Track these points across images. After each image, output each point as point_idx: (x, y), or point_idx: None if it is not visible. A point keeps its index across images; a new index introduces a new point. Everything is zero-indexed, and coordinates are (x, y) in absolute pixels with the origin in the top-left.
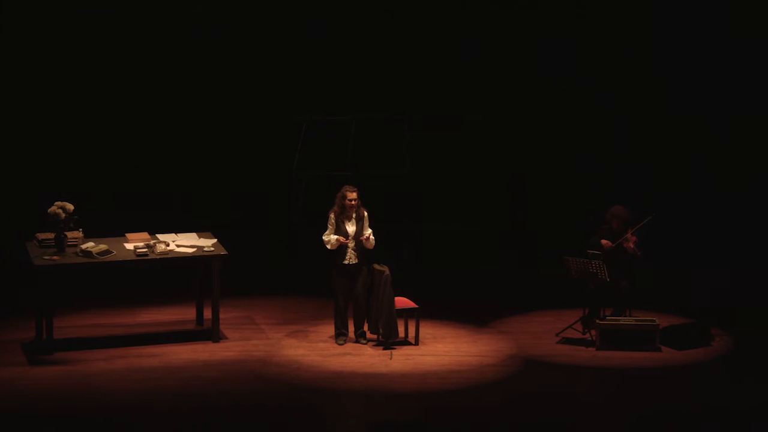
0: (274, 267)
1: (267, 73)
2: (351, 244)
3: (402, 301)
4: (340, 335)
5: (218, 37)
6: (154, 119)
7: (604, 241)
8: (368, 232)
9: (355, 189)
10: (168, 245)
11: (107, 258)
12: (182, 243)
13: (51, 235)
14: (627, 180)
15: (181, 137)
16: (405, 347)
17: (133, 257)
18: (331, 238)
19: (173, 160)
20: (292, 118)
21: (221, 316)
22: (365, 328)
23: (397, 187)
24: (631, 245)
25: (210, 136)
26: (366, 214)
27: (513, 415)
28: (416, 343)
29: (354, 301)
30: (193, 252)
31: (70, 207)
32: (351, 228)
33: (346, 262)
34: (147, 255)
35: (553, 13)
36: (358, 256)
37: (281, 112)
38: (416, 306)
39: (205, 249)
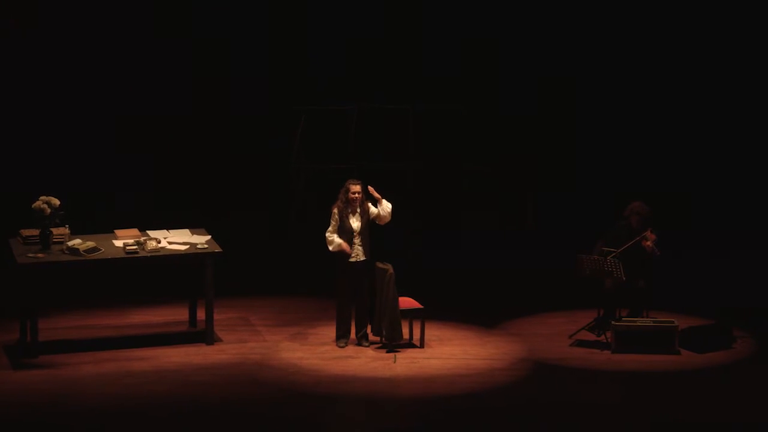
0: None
1: (264, 62)
2: (357, 240)
3: (406, 302)
4: (341, 337)
5: (214, 26)
6: (145, 109)
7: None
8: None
9: (359, 182)
10: (159, 242)
11: (95, 256)
12: (174, 240)
13: (36, 232)
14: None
15: (174, 128)
16: (409, 350)
17: (123, 255)
18: (334, 238)
19: (166, 152)
20: (292, 108)
21: (215, 317)
22: (368, 329)
23: (399, 181)
24: (650, 243)
25: (205, 127)
26: (371, 207)
27: (523, 421)
28: (421, 346)
29: (357, 302)
30: (185, 249)
31: (56, 202)
32: (356, 223)
33: (352, 259)
34: (137, 252)
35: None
36: (365, 253)
37: (280, 101)
38: (421, 306)
39: (199, 246)
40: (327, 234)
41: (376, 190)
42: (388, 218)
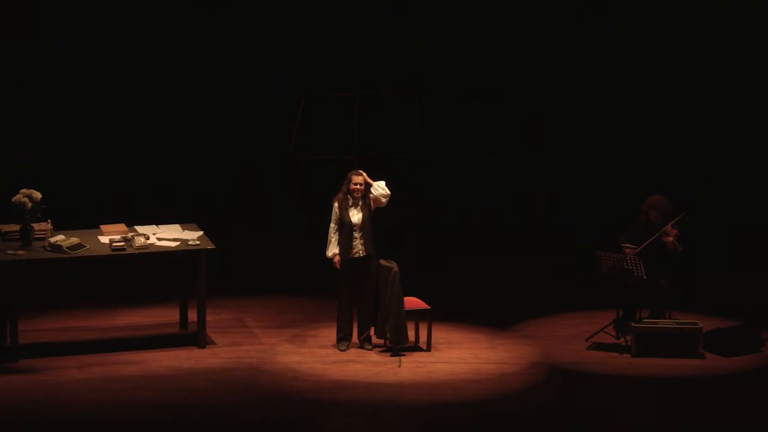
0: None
1: (261, 47)
2: (357, 234)
3: (412, 302)
4: (343, 340)
5: (209, 17)
6: (132, 97)
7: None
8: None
9: (362, 173)
10: (148, 238)
11: (79, 253)
12: (164, 236)
13: (16, 227)
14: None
15: (163, 116)
16: (415, 354)
17: (109, 252)
18: (331, 243)
19: (154, 142)
20: (289, 94)
21: (208, 318)
22: (371, 332)
23: (403, 172)
24: (671, 239)
25: (197, 114)
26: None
27: (537, 429)
28: (428, 350)
29: (359, 302)
30: (176, 246)
31: (38, 195)
32: (356, 216)
33: (354, 255)
34: (124, 249)
35: None
36: (366, 248)
37: (277, 88)
38: (428, 307)
39: (190, 242)
40: (330, 232)
41: (371, 178)
42: (385, 194)
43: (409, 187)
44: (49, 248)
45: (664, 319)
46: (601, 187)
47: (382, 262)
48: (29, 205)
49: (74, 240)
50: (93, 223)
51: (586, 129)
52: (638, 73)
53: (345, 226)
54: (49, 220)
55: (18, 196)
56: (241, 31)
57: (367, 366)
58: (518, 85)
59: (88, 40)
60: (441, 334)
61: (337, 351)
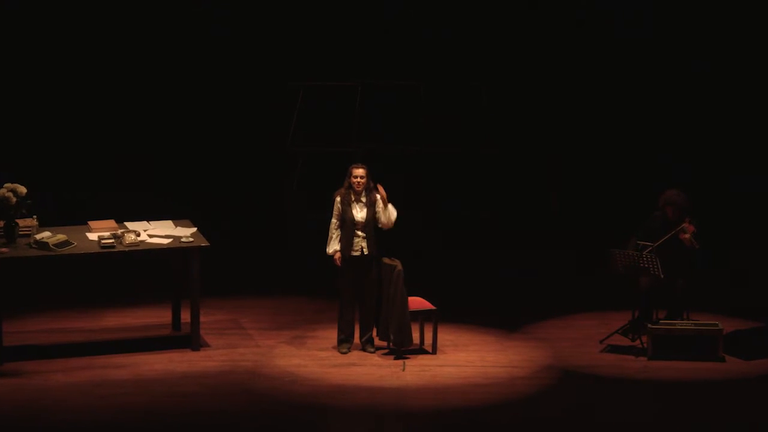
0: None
1: (258, 34)
2: (360, 232)
3: (417, 302)
4: (344, 342)
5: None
6: (121, 87)
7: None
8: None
9: (363, 166)
10: (139, 235)
11: (66, 250)
12: (156, 232)
13: (0, 223)
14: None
15: (155, 106)
16: (420, 356)
17: (98, 249)
18: (333, 240)
19: (145, 133)
20: (287, 85)
21: (202, 319)
22: (373, 333)
23: (408, 166)
24: (688, 236)
25: (190, 105)
26: (378, 202)
27: None
28: (433, 352)
29: (361, 302)
30: (168, 243)
31: (23, 190)
32: (359, 213)
33: (355, 253)
34: (114, 247)
35: None
36: (369, 246)
37: (274, 77)
38: (434, 308)
39: (183, 239)
40: (331, 228)
41: (383, 187)
42: (390, 226)
43: (410, 181)
44: (34, 245)
45: (682, 320)
46: (613, 184)
47: (385, 260)
48: (13, 200)
49: (61, 237)
50: (81, 218)
51: (592, 125)
52: (641, 71)
53: (347, 223)
54: (35, 216)
55: (2, 191)
56: (240, 25)
57: (370, 369)
58: (525, 76)
59: (83, 36)
60: (447, 336)
61: (338, 353)
